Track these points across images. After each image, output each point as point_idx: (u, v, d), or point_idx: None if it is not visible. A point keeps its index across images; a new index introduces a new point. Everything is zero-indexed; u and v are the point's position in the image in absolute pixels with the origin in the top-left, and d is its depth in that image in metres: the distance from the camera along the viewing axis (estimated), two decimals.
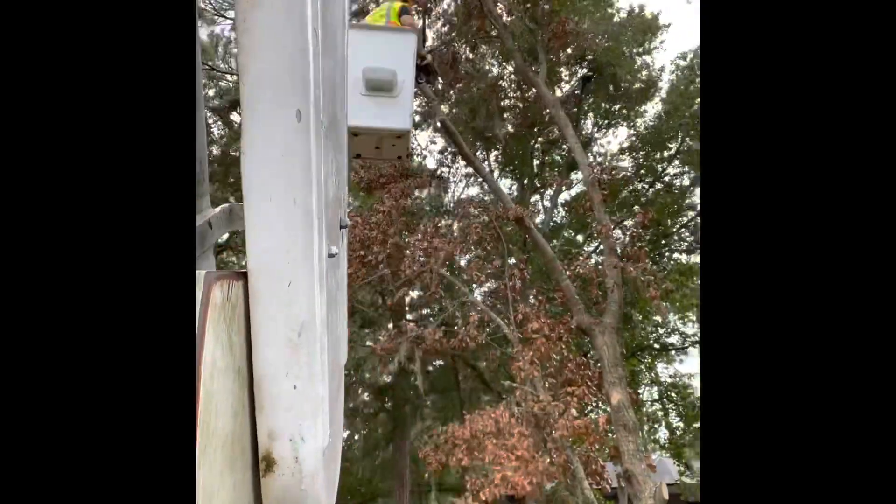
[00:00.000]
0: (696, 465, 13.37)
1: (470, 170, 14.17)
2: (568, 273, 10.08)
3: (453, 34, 13.26)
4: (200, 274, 0.77)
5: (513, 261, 12.54)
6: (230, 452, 0.80)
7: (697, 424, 12.99)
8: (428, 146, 15.48)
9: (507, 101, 14.43)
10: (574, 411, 8.20)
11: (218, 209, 1.11)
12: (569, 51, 13.43)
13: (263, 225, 0.83)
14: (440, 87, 13.34)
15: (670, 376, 15.05)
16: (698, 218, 14.89)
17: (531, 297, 12.55)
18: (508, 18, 12.11)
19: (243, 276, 0.86)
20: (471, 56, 13.64)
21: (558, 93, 13.82)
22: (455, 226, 12.27)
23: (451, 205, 14.49)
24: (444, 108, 14.85)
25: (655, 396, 14.63)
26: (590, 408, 15.48)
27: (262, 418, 0.87)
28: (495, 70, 14.25)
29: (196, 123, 0.87)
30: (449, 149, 14.53)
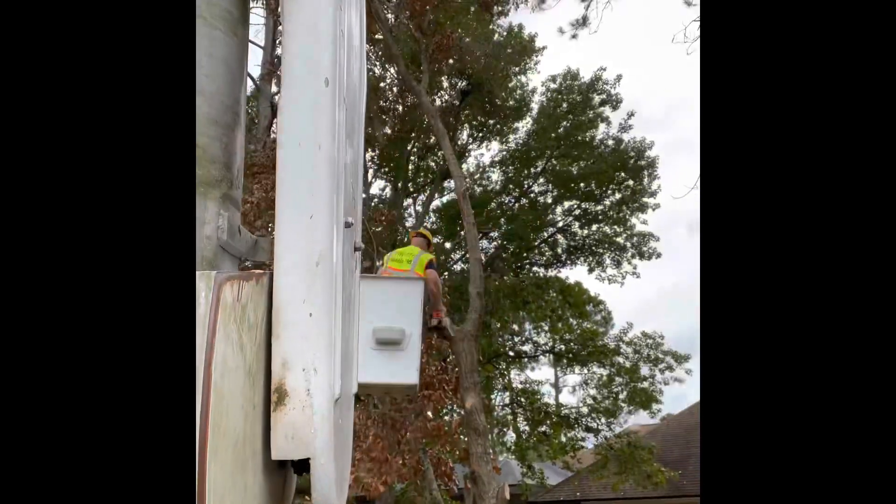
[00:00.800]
0: (537, 467, 14.19)
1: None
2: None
3: None
4: (211, 274, 0.80)
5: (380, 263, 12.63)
6: (241, 453, 0.81)
7: (542, 428, 13.82)
8: None
9: (385, 104, 14.49)
10: (430, 414, 8.40)
11: (248, 232, 1.14)
12: (451, 61, 13.78)
13: (292, 164, 0.98)
14: None
15: (521, 382, 15.89)
16: (558, 235, 15.88)
17: None
18: (394, 23, 12.20)
19: (254, 276, 0.89)
20: None
21: (438, 102, 14.11)
22: None
23: None
24: None
25: (507, 401, 15.37)
26: (445, 411, 15.90)
27: (278, 347, 0.89)
28: (377, 71, 14.26)
29: (196, 122, 0.94)
30: None
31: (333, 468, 0.92)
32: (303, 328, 0.90)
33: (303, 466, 0.90)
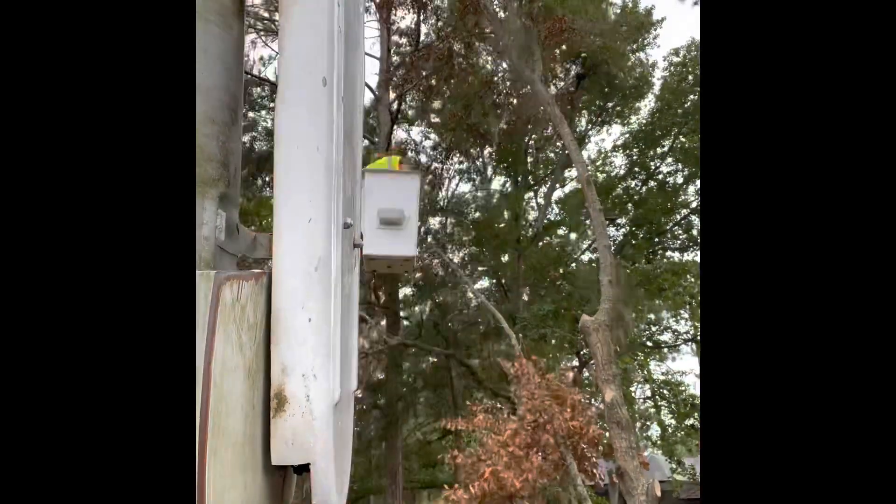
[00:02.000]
0: (688, 462, 13.45)
1: (463, 166, 14.15)
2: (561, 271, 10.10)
3: (448, 29, 13.23)
4: (210, 274, 0.81)
5: (506, 258, 12.56)
6: (241, 453, 0.82)
7: (689, 422, 13.07)
8: (422, 142, 15.50)
9: (500, 98, 14.41)
10: (569, 411, 8.22)
11: (245, 229, 1.16)
12: (563, 48, 13.42)
13: (290, 168, 0.96)
14: (433, 83, 13.32)
15: (662, 374, 15.13)
16: (692, 216, 14.96)
17: (524, 294, 12.57)
18: (503, 15, 12.09)
19: (253, 276, 0.89)
20: (464, 52, 13.61)
21: (553, 90, 13.82)
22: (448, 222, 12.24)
23: (445, 202, 14.47)
24: (438, 104, 14.83)
25: (648, 394, 14.70)
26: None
27: (277, 353, 0.90)
28: (489, 66, 14.23)
29: (196, 121, 0.95)
30: (442, 144, 14.52)
31: (333, 471, 0.91)
32: (302, 334, 0.89)
33: (302, 467, 0.89)
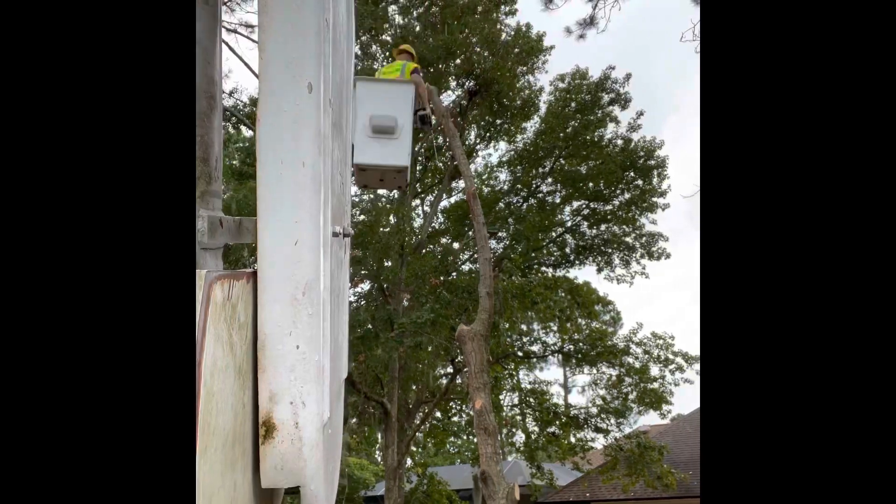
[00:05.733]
0: (546, 467, 14.14)
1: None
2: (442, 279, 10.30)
3: None
4: (201, 273, 0.79)
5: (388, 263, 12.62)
6: (231, 452, 0.80)
7: (551, 429, 13.76)
8: None
9: None
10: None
11: (230, 217, 1.10)
12: (458, 62, 13.76)
13: (273, 184, 0.88)
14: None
15: (530, 383, 15.84)
16: (567, 235, 15.82)
17: (405, 300, 12.68)
18: (402, 21, 12.19)
19: (244, 275, 0.87)
20: (362, 55, 13.56)
21: (446, 102, 14.11)
22: None
23: None
24: None
25: (515, 402, 15.32)
26: (453, 411, 15.87)
27: (265, 380, 0.86)
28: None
29: (196, 121, 0.91)
30: None
31: (324, 492, 0.90)
32: (290, 360, 0.87)
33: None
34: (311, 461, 0.87)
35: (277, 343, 0.88)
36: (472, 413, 8.71)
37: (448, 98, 14.80)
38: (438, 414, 15.82)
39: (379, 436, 20.01)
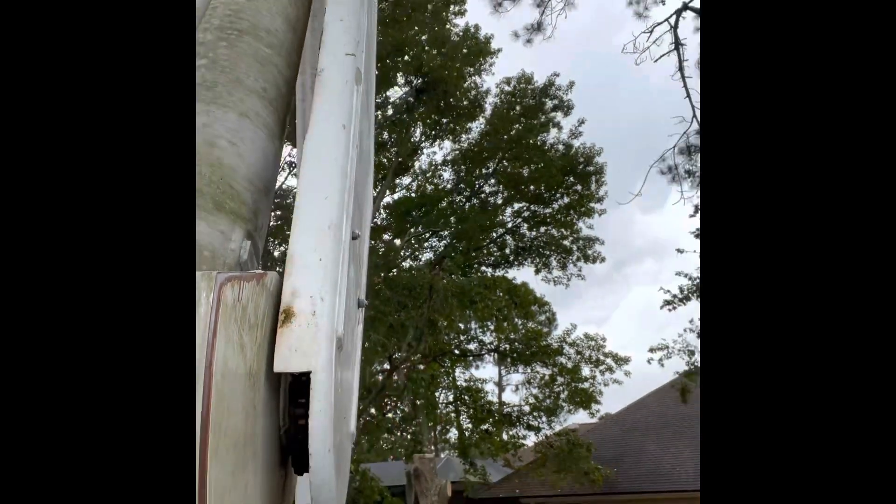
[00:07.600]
0: (479, 463, 14.36)
1: (294, 157, 13.78)
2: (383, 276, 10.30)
3: None
4: (212, 275, 0.81)
5: None
6: (242, 453, 0.81)
7: (484, 426, 13.98)
8: None
9: None
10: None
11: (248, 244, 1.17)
12: (406, 58, 13.76)
13: (317, 147, 1.04)
14: None
15: (466, 381, 16.03)
16: (507, 236, 16.07)
17: None
18: None
19: (254, 277, 0.90)
20: None
21: (392, 98, 14.09)
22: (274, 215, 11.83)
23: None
24: None
25: (451, 399, 15.47)
26: (388, 407, 15.87)
27: (288, 281, 0.92)
28: None
29: (196, 124, 0.97)
30: None
31: (332, 421, 0.93)
32: (313, 268, 0.95)
33: (303, 466, 0.90)
34: (324, 351, 0.90)
35: (302, 257, 0.95)
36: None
37: (395, 94, 14.79)
38: (373, 410, 15.79)
39: None
